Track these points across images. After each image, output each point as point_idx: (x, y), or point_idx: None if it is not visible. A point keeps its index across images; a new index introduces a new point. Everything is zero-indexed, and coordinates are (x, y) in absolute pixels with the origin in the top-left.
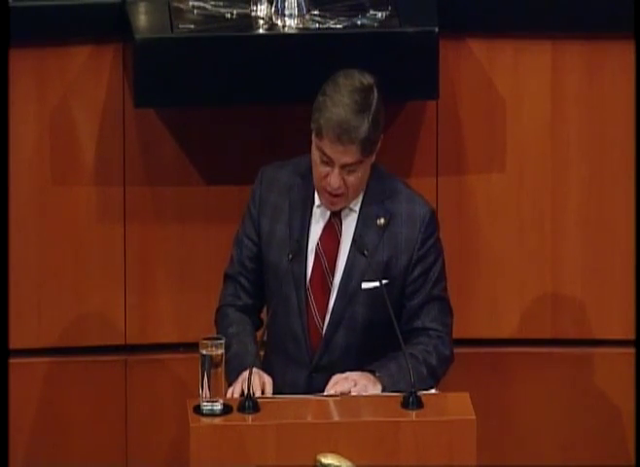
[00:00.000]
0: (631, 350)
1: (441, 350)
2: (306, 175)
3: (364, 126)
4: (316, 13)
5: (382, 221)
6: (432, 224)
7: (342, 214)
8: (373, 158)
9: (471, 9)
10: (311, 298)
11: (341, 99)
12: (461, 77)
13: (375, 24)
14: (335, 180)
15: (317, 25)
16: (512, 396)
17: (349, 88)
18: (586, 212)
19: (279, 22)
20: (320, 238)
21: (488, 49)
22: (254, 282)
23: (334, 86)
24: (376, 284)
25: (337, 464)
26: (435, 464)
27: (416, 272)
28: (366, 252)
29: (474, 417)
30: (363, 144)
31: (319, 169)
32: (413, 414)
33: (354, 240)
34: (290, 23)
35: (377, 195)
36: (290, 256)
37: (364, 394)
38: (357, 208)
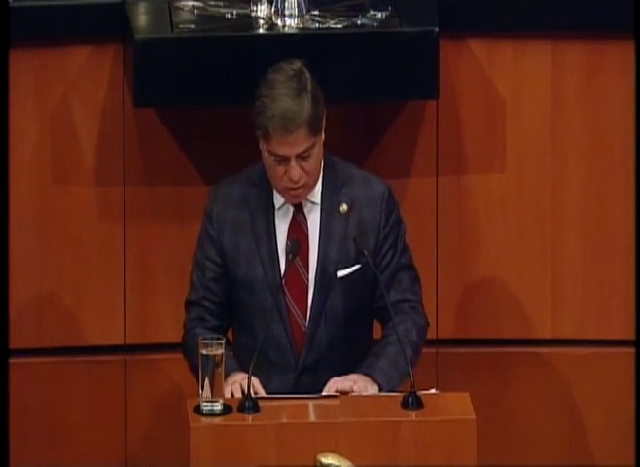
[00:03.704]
0: (631, 350)
1: (418, 323)
2: (260, 183)
3: (306, 108)
4: (316, 13)
5: (345, 207)
6: (391, 199)
7: (305, 210)
8: (323, 136)
9: (471, 9)
10: (289, 299)
11: (278, 92)
12: (461, 77)
13: (375, 24)
14: (295, 173)
15: (317, 25)
16: (512, 396)
17: (281, 78)
18: (586, 212)
19: (279, 22)
20: (288, 238)
21: (488, 49)
22: (220, 303)
23: (266, 84)
24: (351, 270)
25: (337, 464)
26: (435, 464)
27: (385, 248)
28: (366, 252)
29: (474, 417)
30: (310, 125)
31: (276, 171)
32: (413, 414)
33: (353, 240)
34: (290, 23)
35: (334, 182)
36: (290, 256)
37: (364, 394)
38: (318, 200)
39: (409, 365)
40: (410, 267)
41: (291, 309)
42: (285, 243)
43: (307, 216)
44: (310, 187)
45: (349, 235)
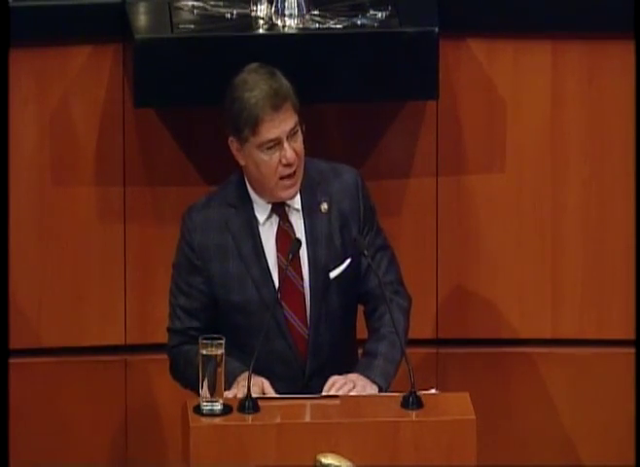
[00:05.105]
0: (631, 350)
1: (403, 306)
2: (238, 203)
3: (284, 83)
4: (316, 13)
5: (325, 206)
6: (363, 184)
7: (289, 216)
8: (302, 129)
9: (471, 9)
10: (288, 312)
11: (253, 83)
12: (461, 77)
13: (375, 24)
14: (289, 153)
15: (317, 25)
16: (512, 396)
17: (251, 73)
18: (586, 212)
19: (279, 22)
20: (278, 250)
21: (488, 49)
22: (205, 332)
23: (236, 86)
24: (343, 267)
25: (337, 464)
26: (435, 464)
27: (365, 231)
28: (366, 252)
29: (474, 417)
30: (292, 98)
31: (270, 163)
32: (413, 414)
33: (354, 240)
34: (290, 23)
35: (310, 184)
36: (290, 256)
37: (364, 394)
38: (299, 205)
39: (406, 355)
40: (386, 247)
41: (291, 322)
42: (276, 256)
43: (292, 223)
44: (300, 176)
45: (334, 233)
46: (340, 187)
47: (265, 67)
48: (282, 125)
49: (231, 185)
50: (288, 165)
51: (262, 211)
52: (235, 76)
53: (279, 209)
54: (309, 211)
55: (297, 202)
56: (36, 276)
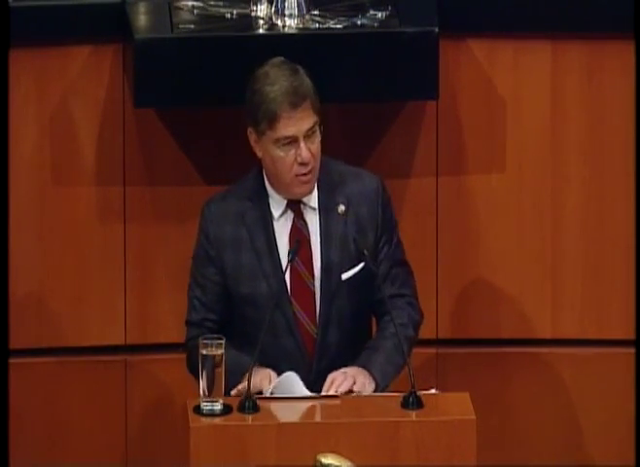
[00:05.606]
0: (631, 350)
1: (414, 318)
2: (255, 197)
3: (305, 81)
4: (316, 13)
5: (342, 208)
6: (384, 191)
7: (305, 216)
8: (320, 129)
9: (471, 9)
10: (298, 309)
11: (274, 76)
12: (461, 77)
13: (375, 24)
14: (305, 153)
15: (317, 25)
16: (512, 396)
17: (274, 68)
18: (586, 212)
19: (279, 22)
20: (290, 247)
21: (488, 49)
22: (221, 323)
23: (258, 78)
24: (356, 270)
25: (338, 464)
26: (435, 464)
27: (382, 241)
28: (365, 252)
29: (474, 417)
30: (312, 98)
31: (285, 160)
32: (413, 414)
33: (353, 240)
34: (290, 23)
35: (329, 184)
36: (290, 256)
37: (364, 394)
38: (315, 204)
39: (408, 362)
40: (405, 261)
41: (300, 320)
42: (288, 253)
43: (307, 221)
44: (315, 175)
45: (349, 236)
46: (360, 191)
47: (288, 63)
48: (299, 123)
49: (250, 178)
50: (303, 165)
51: (277, 206)
52: (259, 68)
53: (294, 206)
54: (326, 211)
55: (313, 201)
56: (36, 276)
